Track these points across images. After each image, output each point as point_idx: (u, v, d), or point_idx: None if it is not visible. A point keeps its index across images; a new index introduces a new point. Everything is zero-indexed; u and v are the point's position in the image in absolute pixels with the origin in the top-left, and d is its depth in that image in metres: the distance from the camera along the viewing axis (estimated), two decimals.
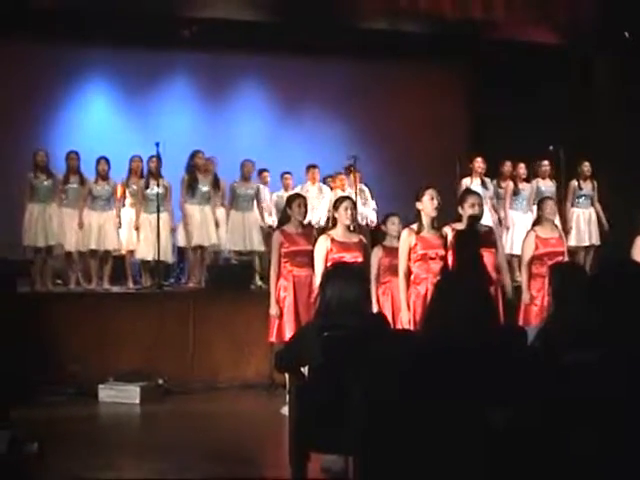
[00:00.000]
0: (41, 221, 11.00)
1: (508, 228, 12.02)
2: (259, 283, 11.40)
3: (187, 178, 11.59)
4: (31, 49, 13.65)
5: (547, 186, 12.13)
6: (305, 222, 8.83)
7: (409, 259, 7.54)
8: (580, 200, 12.27)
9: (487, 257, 7.63)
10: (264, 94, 15.32)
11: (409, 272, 7.55)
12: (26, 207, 11.06)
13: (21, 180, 11.21)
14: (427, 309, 3.91)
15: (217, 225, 11.73)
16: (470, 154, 12.93)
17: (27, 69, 13.73)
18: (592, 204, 12.33)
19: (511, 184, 12.25)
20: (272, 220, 12.31)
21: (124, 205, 11.90)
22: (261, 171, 12.87)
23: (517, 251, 11.46)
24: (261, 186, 12.63)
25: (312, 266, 8.08)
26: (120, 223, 11.63)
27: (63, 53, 13.95)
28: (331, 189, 12.64)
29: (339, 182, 12.32)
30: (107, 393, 9.26)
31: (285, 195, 12.36)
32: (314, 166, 12.87)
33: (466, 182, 11.94)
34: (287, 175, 12.96)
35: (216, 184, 11.90)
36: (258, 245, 11.97)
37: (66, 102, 14.43)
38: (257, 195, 12.22)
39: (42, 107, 14.02)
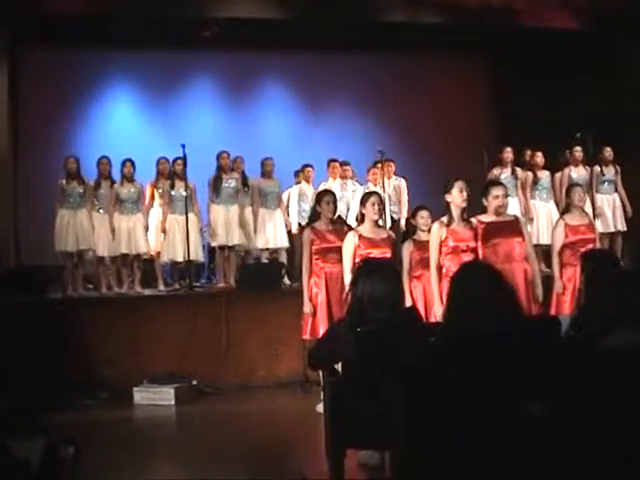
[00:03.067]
0: (72, 226, 11.08)
1: (532, 219, 11.84)
2: (287, 282, 11.41)
3: (212, 179, 11.68)
4: (57, 56, 13.82)
5: (579, 174, 11.95)
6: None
7: (440, 252, 7.53)
8: (603, 186, 12.08)
9: (516, 246, 7.62)
10: (288, 92, 15.35)
11: (441, 265, 7.55)
12: (57, 213, 11.14)
13: (52, 186, 11.31)
14: (447, 300, 3.91)
15: (244, 224, 11.76)
16: (498, 144, 12.88)
17: (53, 76, 13.85)
18: (616, 189, 12.17)
19: (530, 174, 12.11)
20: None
21: (153, 206, 11.93)
22: (304, 167, 12.77)
23: (542, 241, 11.43)
24: (304, 184, 12.64)
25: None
26: (147, 227, 11.66)
27: (88, 58, 14.07)
28: (360, 184, 12.73)
29: (372, 176, 12.35)
30: (142, 395, 9.30)
31: (306, 189, 12.41)
32: (335, 160, 12.87)
33: (496, 172, 11.90)
34: (308, 168, 12.75)
35: (245, 183, 11.96)
36: (285, 242, 12.02)
37: (92, 107, 14.55)
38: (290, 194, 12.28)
39: (70, 113, 14.18)
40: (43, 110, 13.66)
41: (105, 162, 11.47)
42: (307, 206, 12.07)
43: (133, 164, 11.48)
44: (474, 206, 7.87)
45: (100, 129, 14.35)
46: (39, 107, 13.61)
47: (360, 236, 7.92)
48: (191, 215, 11.30)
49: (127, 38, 13.48)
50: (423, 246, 8.05)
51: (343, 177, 12.83)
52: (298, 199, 12.58)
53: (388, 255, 7.86)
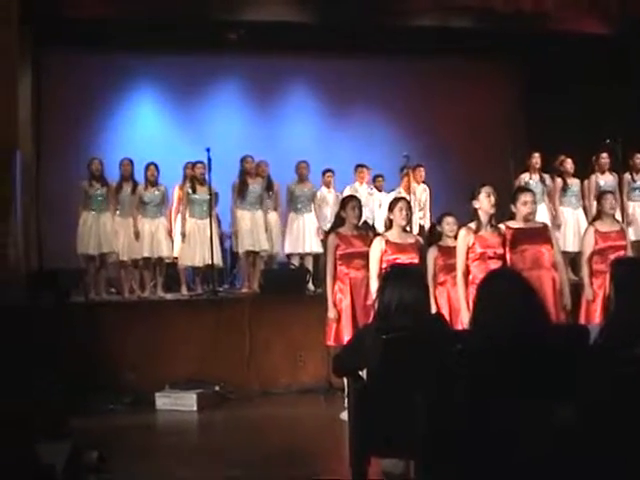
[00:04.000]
0: (95, 229, 11.15)
1: (559, 225, 11.76)
2: (312, 287, 11.44)
3: (237, 183, 11.69)
4: (80, 58, 13.87)
5: (607, 180, 11.85)
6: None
7: (467, 258, 7.51)
8: (634, 193, 12.00)
9: (544, 253, 7.58)
10: (313, 96, 15.37)
11: (467, 272, 7.52)
12: (80, 215, 11.21)
13: (75, 189, 11.38)
14: (473, 307, 3.89)
15: (268, 229, 11.77)
16: (524, 150, 12.84)
17: (77, 78, 13.91)
18: None
19: (559, 180, 12.02)
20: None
21: (180, 210, 11.92)
22: (324, 172, 12.82)
23: (569, 248, 11.36)
24: (324, 189, 12.66)
25: (368, 268, 8.08)
26: (170, 231, 11.71)
27: (112, 61, 14.12)
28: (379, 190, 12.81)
29: (405, 182, 12.39)
30: (164, 401, 9.31)
31: (326, 194, 12.40)
32: (362, 165, 12.92)
33: (524, 178, 11.87)
34: (328, 173, 12.78)
35: (269, 187, 11.97)
36: (315, 247, 12.01)
37: (116, 110, 14.63)
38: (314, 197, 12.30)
39: (94, 115, 14.23)
40: (67, 113, 13.71)
41: (127, 164, 11.50)
42: (327, 211, 12.20)
43: (157, 167, 11.52)
44: (500, 212, 7.83)
45: (124, 132, 14.40)
46: (63, 110, 13.65)
47: (387, 241, 7.96)
48: (213, 220, 11.39)
49: (152, 41, 13.52)
50: (448, 252, 8.08)
51: (379, 189, 12.92)
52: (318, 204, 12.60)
53: (415, 261, 7.88)
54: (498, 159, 13.25)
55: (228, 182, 11.80)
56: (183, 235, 11.51)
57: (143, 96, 14.87)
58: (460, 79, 15.20)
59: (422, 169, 12.83)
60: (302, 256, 12.13)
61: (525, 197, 7.67)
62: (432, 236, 9.66)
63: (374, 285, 7.58)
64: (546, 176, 12.03)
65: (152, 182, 11.48)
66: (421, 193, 12.77)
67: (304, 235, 11.98)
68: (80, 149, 13.12)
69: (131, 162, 11.52)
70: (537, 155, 12.04)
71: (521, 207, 7.62)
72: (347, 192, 11.93)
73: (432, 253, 8.40)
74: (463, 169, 14.15)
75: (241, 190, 11.63)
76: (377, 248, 7.94)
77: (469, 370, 3.52)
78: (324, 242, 11.87)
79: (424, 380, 3.93)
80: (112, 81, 14.27)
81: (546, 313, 3.79)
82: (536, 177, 11.93)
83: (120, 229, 11.34)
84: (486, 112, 15.22)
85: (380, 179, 13.07)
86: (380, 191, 12.98)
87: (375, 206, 12.69)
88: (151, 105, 14.93)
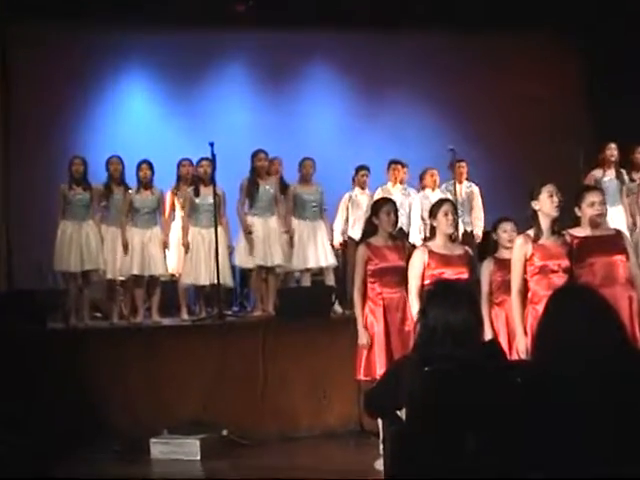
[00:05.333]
0: (76, 241, 11.12)
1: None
2: (339, 309, 11.46)
3: (246, 184, 11.67)
4: (56, 37, 13.93)
5: None
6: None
7: (525, 272, 7.48)
8: None
9: (618, 266, 7.52)
10: (338, 79, 15.42)
11: (525, 289, 7.48)
12: (58, 225, 11.19)
13: (52, 194, 11.41)
14: (537, 331, 3.90)
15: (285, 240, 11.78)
16: (596, 141, 12.81)
17: (53, 62, 14.00)
18: None
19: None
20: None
21: (174, 218, 12.00)
22: (357, 170, 12.84)
23: None
24: (357, 190, 12.71)
25: (405, 286, 8.07)
26: (166, 242, 11.69)
27: (95, 39, 14.20)
28: (418, 190, 12.80)
29: (429, 179, 12.40)
30: (161, 449, 9.30)
31: (360, 195, 12.42)
32: (397, 162, 12.92)
33: (597, 175, 11.84)
34: (363, 171, 12.81)
35: (283, 190, 11.98)
36: (331, 260, 12.00)
37: (101, 99, 14.76)
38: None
39: (73, 107, 14.35)
40: (40, 105, 13.81)
41: (116, 162, 11.54)
42: (360, 216, 12.21)
43: (151, 166, 11.54)
44: (567, 217, 7.79)
45: (110, 126, 14.50)
46: (36, 101, 13.75)
47: (430, 252, 7.91)
48: (219, 229, 11.31)
49: (142, 15, 13.59)
50: (506, 266, 7.95)
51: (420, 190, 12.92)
52: (348, 207, 12.63)
53: (465, 276, 7.84)
54: (563, 153, 13.23)
55: (233, 183, 11.76)
56: (186, 247, 11.52)
57: (132, 82, 14.97)
58: (516, 58, 15.28)
59: (464, 165, 12.79)
60: (318, 272, 12.10)
61: (592, 197, 7.54)
62: (485, 246, 9.63)
63: (414, 306, 7.56)
64: (623, 171, 11.99)
65: (145, 184, 11.49)
66: (466, 193, 12.74)
67: (317, 247, 11.93)
68: (58, 147, 13.20)
69: (121, 160, 11.57)
70: (613, 146, 11.99)
71: (587, 209, 7.49)
72: (379, 194, 11.91)
73: (487, 267, 8.41)
74: (519, 166, 14.16)
75: (251, 192, 11.62)
76: (418, 261, 7.89)
77: (531, 408, 3.54)
78: (344, 252, 11.96)
79: (476, 421, 3.94)
80: (95, 63, 14.37)
81: (627, 341, 3.80)
82: (612, 173, 11.89)
83: (107, 241, 11.36)
84: (547, 97, 15.19)
85: (397, 166, 12.92)
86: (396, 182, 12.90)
87: (416, 209, 12.62)
88: (142, 92, 15.04)
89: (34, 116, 13.68)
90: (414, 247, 8.76)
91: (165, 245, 11.65)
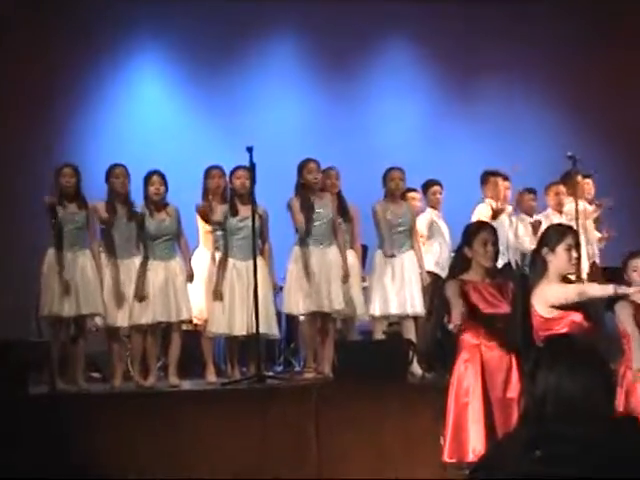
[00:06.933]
0: (69, 277, 10.98)
1: None
2: (418, 371, 11.34)
3: (295, 203, 11.59)
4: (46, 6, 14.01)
5: None
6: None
7: None
8: None
9: None
10: (415, 63, 15.44)
11: None
12: (45, 255, 11.05)
13: (39, 213, 11.27)
14: None
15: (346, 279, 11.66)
16: None
17: (39, 39, 14.21)
18: None
19: None
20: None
21: (197, 245, 11.91)
22: (427, 185, 12.95)
23: None
24: (431, 212, 12.85)
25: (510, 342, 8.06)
26: (192, 276, 11.51)
27: (96, 11, 14.46)
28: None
29: (553, 197, 12.44)
30: None
31: (436, 218, 12.36)
32: (496, 174, 12.90)
33: None
34: (435, 187, 12.96)
35: (343, 210, 11.91)
36: (419, 307, 11.83)
37: (101, 88, 14.77)
38: None
39: (64, 99, 14.46)
40: (22, 96, 13.87)
41: (120, 174, 11.37)
42: (440, 245, 12.49)
43: (164, 179, 11.41)
44: None
45: (112, 124, 14.50)
46: (15, 92, 13.78)
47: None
48: (259, 261, 11.22)
49: None
50: None
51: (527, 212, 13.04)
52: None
53: (587, 327, 7.68)
54: None
55: (276, 201, 11.67)
56: (219, 296, 11.36)
57: (143, 65, 15.07)
58: None
59: (591, 180, 12.68)
60: (398, 322, 12.00)
61: None
62: None
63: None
64: None
65: (157, 202, 11.37)
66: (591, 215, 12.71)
67: (403, 288, 11.78)
68: (43, 153, 13.22)
69: (126, 171, 11.42)
70: None
71: None
72: (475, 216, 11.81)
73: (622, 313, 8.26)
74: None
75: (307, 214, 11.55)
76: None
77: None
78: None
79: None
80: (95, 42, 14.50)
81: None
82: None
83: (108, 277, 11.24)
84: None
85: (497, 179, 12.90)
86: (530, 215, 12.93)
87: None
88: (155, 79, 15.17)
89: (13, 114, 13.76)
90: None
91: (190, 279, 11.46)
